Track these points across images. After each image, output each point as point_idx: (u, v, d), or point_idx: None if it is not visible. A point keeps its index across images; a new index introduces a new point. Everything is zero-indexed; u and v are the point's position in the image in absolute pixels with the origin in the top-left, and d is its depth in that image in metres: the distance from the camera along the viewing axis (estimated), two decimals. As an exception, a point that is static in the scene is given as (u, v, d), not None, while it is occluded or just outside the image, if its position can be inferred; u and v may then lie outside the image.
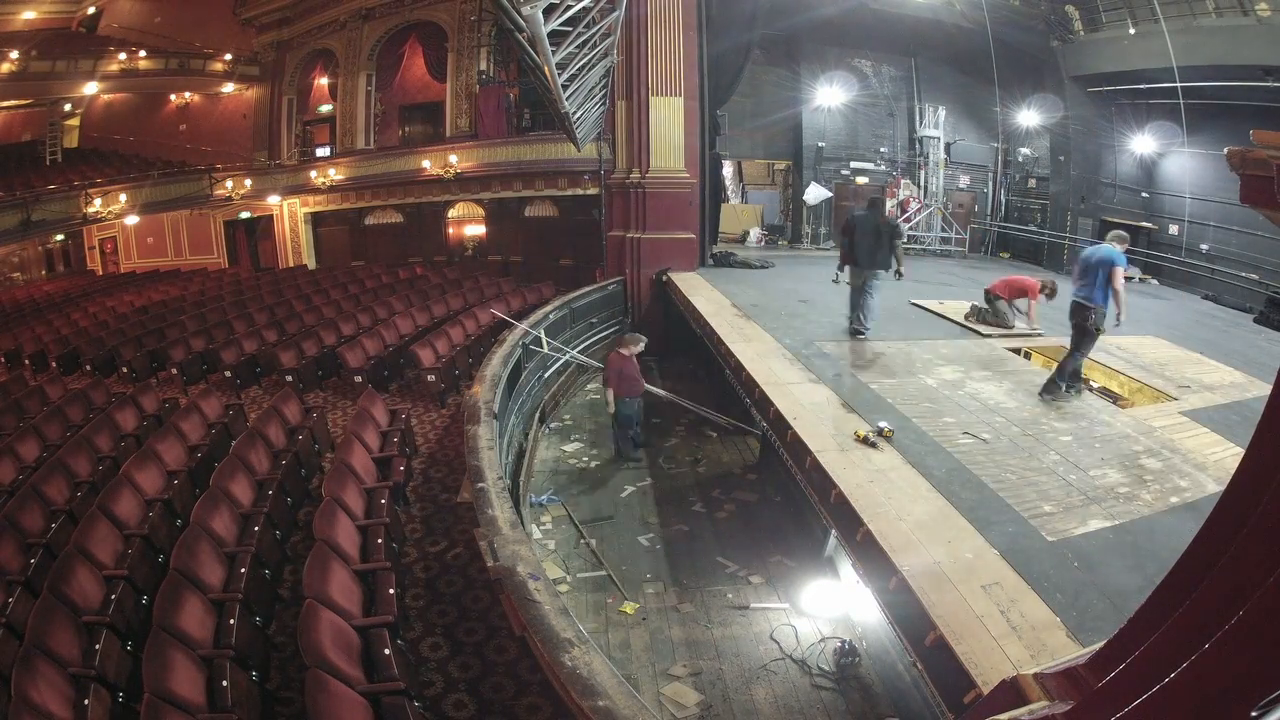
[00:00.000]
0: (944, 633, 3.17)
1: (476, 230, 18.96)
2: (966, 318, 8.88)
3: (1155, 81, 12.30)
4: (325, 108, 20.44)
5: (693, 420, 9.78)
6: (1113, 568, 3.74)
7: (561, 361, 10.34)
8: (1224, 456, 5.15)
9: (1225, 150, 1.93)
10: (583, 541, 6.64)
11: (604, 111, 12.84)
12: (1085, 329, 6.00)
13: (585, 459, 8.58)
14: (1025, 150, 16.71)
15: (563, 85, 7.42)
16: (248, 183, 19.34)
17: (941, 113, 16.25)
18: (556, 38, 6.20)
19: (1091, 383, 7.20)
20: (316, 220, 20.39)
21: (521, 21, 5.31)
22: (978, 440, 5.29)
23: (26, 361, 12.70)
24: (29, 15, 21.10)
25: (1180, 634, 1.65)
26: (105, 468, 6.85)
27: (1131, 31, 12.93)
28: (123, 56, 19.52)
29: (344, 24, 19.20)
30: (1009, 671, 2.73)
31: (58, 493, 6.23)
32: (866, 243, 7.79)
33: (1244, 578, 1.51)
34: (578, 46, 6.97)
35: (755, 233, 17.16)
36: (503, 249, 18.57)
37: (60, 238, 20.92)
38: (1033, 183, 16.67)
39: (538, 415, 8.82)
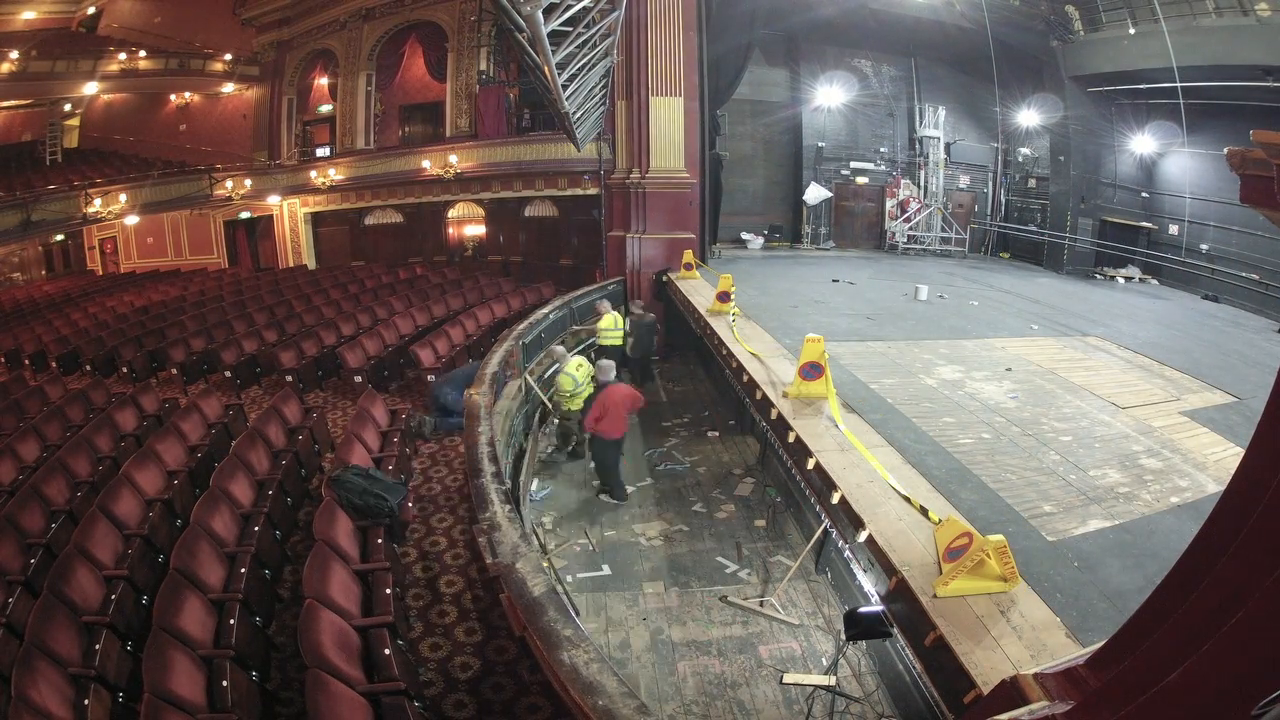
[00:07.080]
0: (944, 633, 3.17)
1: (476, 230, 18.94)
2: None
3: (1155, 81, 12.29)
4: (325, 108, 20.41)
5: (692, 420, 9.79)
6: (1113, 568, 3.74)
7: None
8: (1224, 456, 5.15)
9: (1225, 150, 1.93)
10: (583, 542, 6.65)
11: (604, 111, 12.84)
12: None
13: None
14: (1025, 150, 16.72)
15: (563, 85, 7.41)
16: (248, 183, 19.32)
17: (941, 113, 16.26)
18: (556, 38, 6.20)
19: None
20: (316, 220, 20.38)
21: (521, 21, 5.31)
22: (977, 440, 5.29)
23: (26, 361, 12.70)
24: (29, 15, 21.09)
25: (1180, 634, 1.65)
26: (105, 468, 6.85)
27: (1131, 31, 12.92)
28: (123, 56, 19.50)
29: (344, 24, 19.19)
30: (1009, 671, 2.73)
31: (58, 493, 6.23)
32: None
33: (1244, 578, 1.51)
34: (578, 46, 6.96)
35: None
36: (503, 249, 18.56)
37: (60, 238, 20.92)
38: (1033, 183, 16.67)
39: (538, 415, 8.82)
